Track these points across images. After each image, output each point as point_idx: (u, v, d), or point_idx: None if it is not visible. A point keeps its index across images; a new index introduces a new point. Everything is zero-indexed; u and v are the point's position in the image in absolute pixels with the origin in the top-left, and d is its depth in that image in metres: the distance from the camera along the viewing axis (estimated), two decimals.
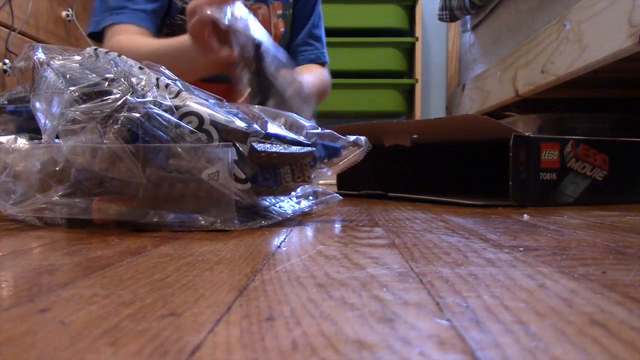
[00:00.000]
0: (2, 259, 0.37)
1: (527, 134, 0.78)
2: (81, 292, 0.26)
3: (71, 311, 0.23)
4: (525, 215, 0.64)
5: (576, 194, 0.79)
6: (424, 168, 1.08)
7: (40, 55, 0.55)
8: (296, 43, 1.11)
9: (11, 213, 0.53)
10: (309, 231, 0.50)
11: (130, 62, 0.57)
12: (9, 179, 0.54)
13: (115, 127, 0.48)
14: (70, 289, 0.27)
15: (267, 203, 0.57)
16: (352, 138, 0.56)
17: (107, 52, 0.58)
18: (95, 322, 0.21)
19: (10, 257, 0.37)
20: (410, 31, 2.36)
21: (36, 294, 0.26)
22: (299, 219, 0.61)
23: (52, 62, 0.54)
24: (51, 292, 0.27)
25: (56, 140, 0.52)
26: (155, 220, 0.50)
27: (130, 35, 0.92)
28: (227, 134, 0.51)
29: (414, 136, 0.94)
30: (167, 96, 0.52)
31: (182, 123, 0.50)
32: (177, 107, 0.51)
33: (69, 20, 1.53)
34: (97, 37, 0.97)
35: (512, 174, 0.75)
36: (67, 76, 0.52)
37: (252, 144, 0.52)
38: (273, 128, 0.54)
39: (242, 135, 0.51)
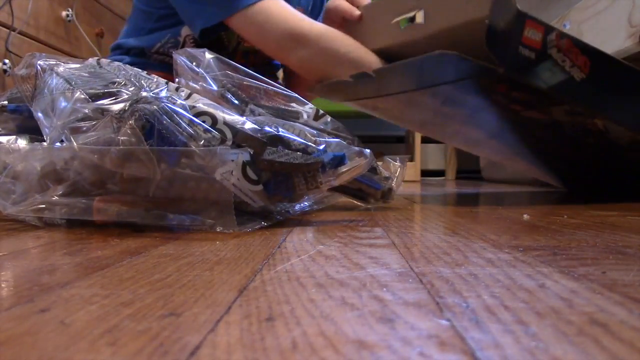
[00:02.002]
0: (2, 259, 0.37)
1: (517, 5, 0.75)
2: (81, 292, 0.26)
3: (71, 311, 0.23)
4: (525, 215, 0.64)
5: (551, 82, 0.77)
6: None
7: (42, 62, 0.55)
8: None
9: (11, 213, 0.53)
10: (309, 231, 0.50)
11: (137, 69, 0.57)
12: (9, 179, 0.54)
13: (133, 118, 0.48)
14: (70, 289, 0.27)
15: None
16: (356, 148, 0.56)
17: (110, 63, 0.58)
18: (95, 322, 0.21)
19: (10, 257, 0.37)
20: None
21: (36, 294, 0.26)
22: (299, 218, 0.61)
23: (56, 69, 0.54)
24: (51, 292, 0.27)
25: (57, 144, 0.52)
26: (155, 221, 0.50)
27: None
28: (243, 140, 0.51)
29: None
30: (180, 94, 0.53)
31: (196, 120, 0.50)
32: (191, 107, 0.52)
33: (69, 20, 1.53)
34: (208, 33, 0.85)
35: (491, 20, 0.71)
36: (74, 80, 0.52)
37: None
38: (283, 131, 0.55)
39: (260, 145, 0.51)
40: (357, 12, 0.93)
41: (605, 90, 0.81)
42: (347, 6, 0.94)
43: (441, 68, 0.81)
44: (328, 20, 0.98)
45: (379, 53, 0.91)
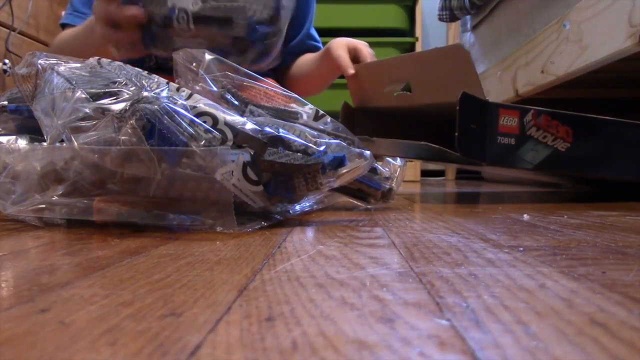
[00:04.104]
0: (2, 259, 0.37)
1: (485, 98, 0.78)
2: (81, 292, 0.26)
3: (71, 311, 0.23)
4: (525, 215, 0.64)
5: (536, 161, 0.79)
6: (408, 130, 1.07)
7: (43, 61, 0.55)
8: (294, 44, 1.12)
9: (11, 213, 0.53)
10: (309, 231, 0.50)
11: (138, 69, 0.57)
12: (9, 179, 0.54)
13: (134, 118, 0.48)
14: (70, 289, 0.27)
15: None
16: (357, 150, 0.56)
17: (110, 62, 0.58)
18: (95, 322, 0.21)
19: (10, 257, 0.37)
20: (410, 31, 2.36)
21: (36, 294, 0.26)
22: (299, 219, 0.61)
23: (56, 68, 0.54)
24: (51, 292, 0.27)
25: (57, 144, 0.52)
26: (155, 221, 0.50)
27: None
28: (244, 141, 0.51)
29: (401, 91, 0.94)
30: (181, 95, 0.53)
31: (197, 120, 0.50)
32: (192, 107, 0.52)
33: None
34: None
35: (459, 129, 0.74)
36: (75, 79, 0.52)
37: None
38: (283, 132, 0.55)
39: (260, 146, 0.51)
40: (351, 71, 0.98)
41: (594, 151, 0.83)
42: (345, 62, 0.99)
43: (428, 151, 0.87)
44: (325, 60, 1.03)
45: (380, 110, 0.99)
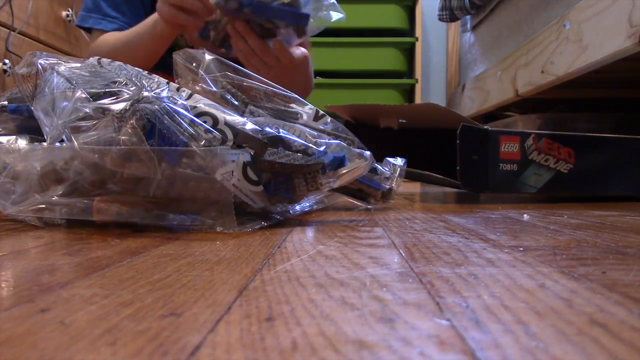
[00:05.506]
0: (2, 259, 0.37)
1: (485, 127, 0.78)
2: (81, 292, 0.26)
3: (71, 311, 0.23)
4: (525, 215, 0.64)
5: (539, 184, 0.80)
6: (410, 151, 1.11)
7: (43, 61, 0.55)
8: None
9: (11, 213, 0.53)
10: (309, 231, 0.50)
11: (137, 69, 0.57)
12: (9, 179, 0.54)
13: (134, 118, 0.48)
14: (70, 289, 0.27)
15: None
16: (357, 150, 0.56)
17: (110, 62, 0.58)
18: (95, 322, 0.21)
19: (10, 257, 0.37)
20: (410, 31, 2.36)
21: (36, 294, 0.26)
22: (299, 219, 0.61)
23: (57, 68, 0.54)
24: (51, 292, 0.27)
25: (57, 144, 0.52)
26: (155, 221, 0.50)
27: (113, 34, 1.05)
28: (244, 141, 0.51)
29: (402, 120, 0.96)
30: (182, 95, 0.53)
31: (197, 120, 0.50)
32: (192, 107, 0.52)
33: (69, 20, 1.53)
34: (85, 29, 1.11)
35: (461, 161, 0.75)
36: (75, 79, 0.52)
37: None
38: (283, 132, 0.55)
39: (260, 146, 0.51)
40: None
41: (597, 169, 0.84)
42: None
43: (429, 178, 0.94)
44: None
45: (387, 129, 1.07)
